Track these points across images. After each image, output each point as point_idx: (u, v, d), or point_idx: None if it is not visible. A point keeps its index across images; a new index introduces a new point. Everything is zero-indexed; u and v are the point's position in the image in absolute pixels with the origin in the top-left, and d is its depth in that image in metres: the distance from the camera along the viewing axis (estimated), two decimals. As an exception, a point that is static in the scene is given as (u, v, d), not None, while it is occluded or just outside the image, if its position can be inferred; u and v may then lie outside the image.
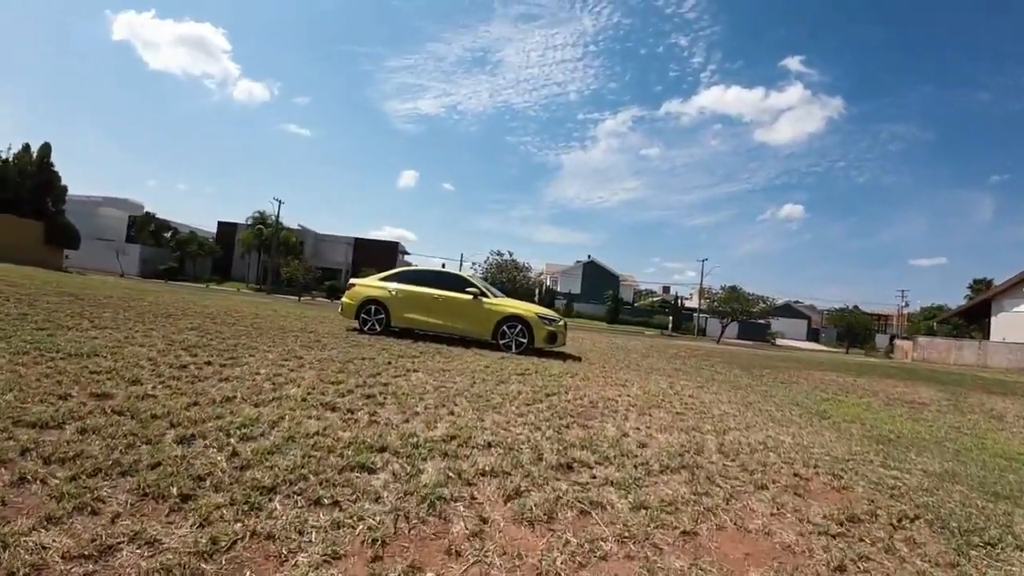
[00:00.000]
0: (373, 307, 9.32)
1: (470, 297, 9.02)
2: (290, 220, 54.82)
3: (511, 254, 42.02)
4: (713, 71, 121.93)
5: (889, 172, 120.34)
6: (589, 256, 71.71)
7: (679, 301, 63.84)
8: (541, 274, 61.83)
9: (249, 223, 51.17)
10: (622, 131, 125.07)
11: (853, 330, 56.08)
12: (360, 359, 6.23)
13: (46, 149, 25.94)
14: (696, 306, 56.91)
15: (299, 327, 9.00)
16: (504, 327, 8.80)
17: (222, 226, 55.65)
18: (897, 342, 41.26)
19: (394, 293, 9.30)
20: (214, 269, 51.65)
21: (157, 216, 52.82)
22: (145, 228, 49.93)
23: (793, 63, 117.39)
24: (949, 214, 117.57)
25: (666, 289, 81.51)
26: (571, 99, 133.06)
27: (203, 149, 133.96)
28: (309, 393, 4.13)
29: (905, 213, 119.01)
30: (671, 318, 54.86)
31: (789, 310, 69.64)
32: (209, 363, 4.91)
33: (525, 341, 8.73)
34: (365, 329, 9.27)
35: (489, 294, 9.30)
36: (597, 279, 66.35)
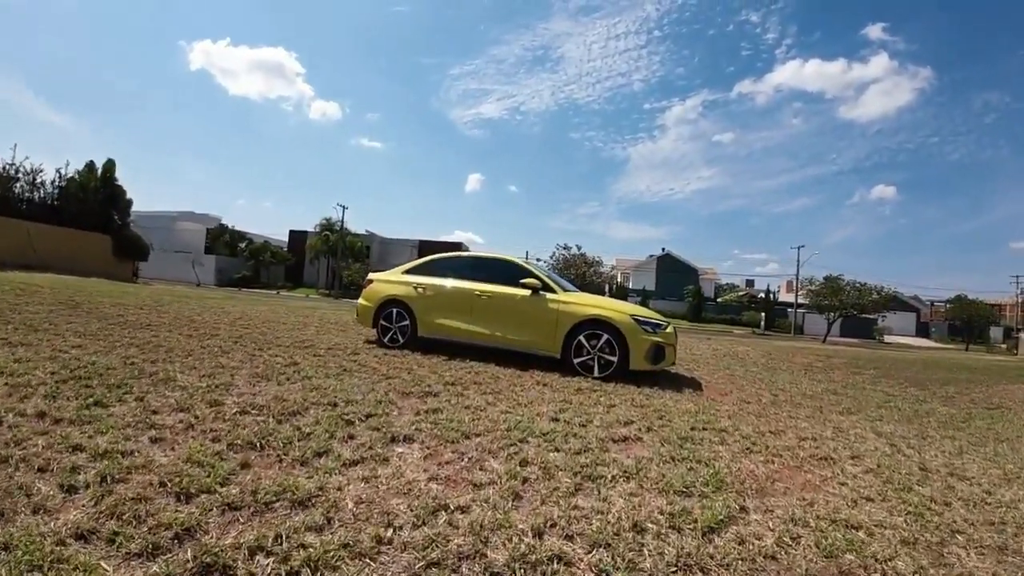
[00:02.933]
0: (395, 311, 6.72)
1: (527, 293, 6.02)
2: (359, 227, 55.09)
3: (579, 248, 38.63)
4: (789, 46, 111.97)
5: (986, 147, 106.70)
6: (664, 249, 66.51)
7: (771, 295, 57.37)
8: (613, 268, 57.77)
9: (317, 230, 51.50)
10: (692, 118, 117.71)
11: (972, 323, 47.95)
12: (325, 404, 3.57)
13: (110, 165, 26.14)
14: (791, 300, 50.58)
15: (299, 339, 6.60)
16: (580, 337, 5.67)
17: (293, 234, 56.71)
18: (1023, 335, 34.32)
19: (420, 290, 6.63)
20: (286, 276, 52.56)
21: (232, 228, 54.61)
22: (220, 239, 51.54)
23: (875, 31, 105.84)
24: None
25: (749, 283, 74.45)
26: (636, 89, 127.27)
27: (283, 167, 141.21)
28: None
29: (1005, 191, 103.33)
30: (763, 314, 49.02)
31: (896, 302, 60.88)
32: (43, 415, 2.48)
33: (615, 360, 5.53)
34: (386, 340, 6.70)
35: (556, 287, 6.17)
36: (674, 273, 61.12)
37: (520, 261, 6.66)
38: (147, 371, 4.01)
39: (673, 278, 59.84)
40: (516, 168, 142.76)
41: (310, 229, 52.89)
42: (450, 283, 6.57)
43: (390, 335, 6.69)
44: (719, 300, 61.91)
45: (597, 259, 39.34)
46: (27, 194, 21.80)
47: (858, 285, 37.92)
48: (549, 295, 6.03)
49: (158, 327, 6.54)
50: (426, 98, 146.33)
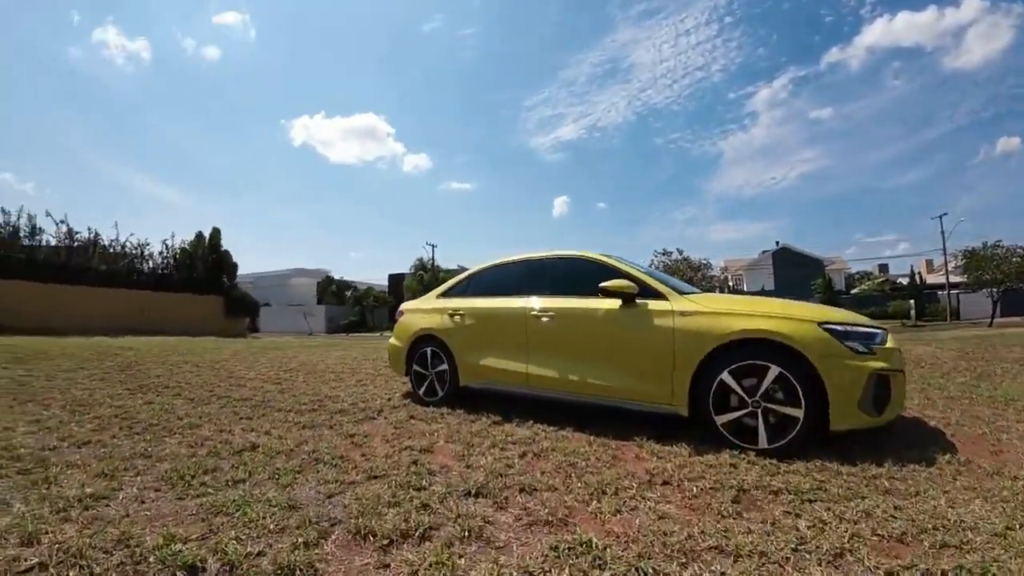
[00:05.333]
0: (428, 350, 4.77)
1: (614, 304, 3.63)
2: (452, 263, 55.72)
3: (681, 252, 34.56)
4: (872, 3, 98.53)
5: None
6: (778, 243, 59.06)
7: (918, 277, 48.16)
8: (724, 270, 52.08)
9: (412, 271, 52.76)
10: (783, 98, 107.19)
11: None
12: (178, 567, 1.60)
13: (216, 234, 28.07)
14: (936, 282, 41.59)
15: (322, 396, 4.85)
16: (724, 375, 3.12)
17: (392, 278, 58.95)
18: None
19: (457, 318, 4.60)
20: (389, 317, 54.14)
21: (339, 279, 57.89)
22: (328, 290, 54.63)
23: None
24: None
25: (882, 268, 63.76)
26: (717, 80, 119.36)
27: (385, 218, 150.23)
28: None
29: None
30: (911, 302, 40.73)
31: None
32: None
33: (799, 414, 2.91)
34: (422, 393, 4.74)
35: (665, 289, 3.61)
36: (794, 268, 53.48)
37: (598, 255, 4.08)
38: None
39: (794, 273, 52.35)
40: (602, 185, 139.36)
41: (406, 271, 54.41)
42: (492, 302, 4.47)
43: (426, 385, 4.72)
44: (854, 292, 53.03)
45: (704, 262, 34.78)
46: (137, 266, 23.47)
47: (1020, 251, 29.57)
48: (655, 303, 3.50)
49: (178, 386, 5.14)
50: (505, 133, 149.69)
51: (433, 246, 47.39)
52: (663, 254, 34.57)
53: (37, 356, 7.43)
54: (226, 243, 28.78)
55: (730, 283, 54.35)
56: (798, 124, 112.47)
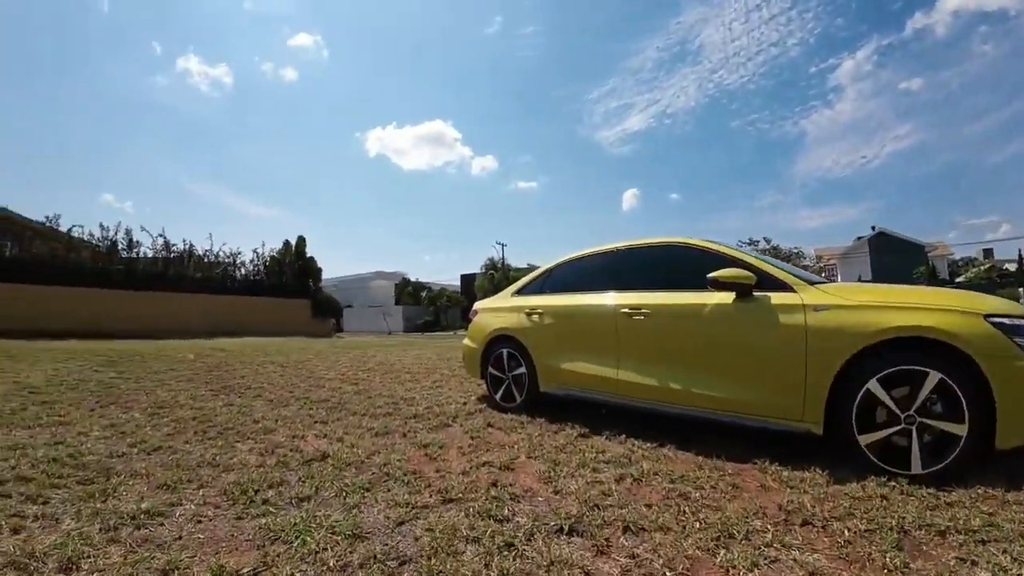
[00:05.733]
0: (505, 352, 4.40)
1: (726, 298, 3.04)
2: (522, 261, 55.85)
3: (768, 241, 31.98)
4: None
5: None
6: (874, 227, 53.36)
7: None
8: (818, 259, 47.93)
9: (483, 271, 53.38)
10: (869, 70, 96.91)
11: None
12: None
13: (301, 242, 29.92)
14: None
15: (398, 398, 4.65)
16: (872, 383, 2.48)
17: (464, 278, 60.07)
18: None
19: (535, 317, 4.19)
20: (462, 316, 55.27)
21: (415, 281, 59.86)
22: (405, 291, 56.66)
23: None
24: None
25: (987, 253, 55.79)
26: (794, 55, 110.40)
27: (456, 220, 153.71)
28: None
29: None
30: (1021, 290, 35.08)
31: None
32: None
33: (962, 431, 2.31)
34: (499, 398, 4.39)
35: (793, 281, 2.95)
36: (893, 255, 47.83)
37: (701, 240, 3.47)
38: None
39: (893, 261, 46.99)
40: (674, 174, 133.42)
41: (477, 271, 55.17)
42: (575, 299, 4.01)
43: (503, 390, 4.36)
44: (959, 280, 46.71)
45: (796, 251, 31.91)
46: (230, 273, 25.25)
47: None
48: (780, 296, 2.88)
49: (260, 387, 5.19)
50: (571, 129, 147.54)
51: (503, 245, 47.63)
52: (749, 244, 32.23)
53: (132, 358, 7.92)
54: (310, 250, 30.60)
55: (823, 273, 50.02)
56: (887, 97, 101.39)
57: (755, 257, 3.20)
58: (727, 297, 3.05)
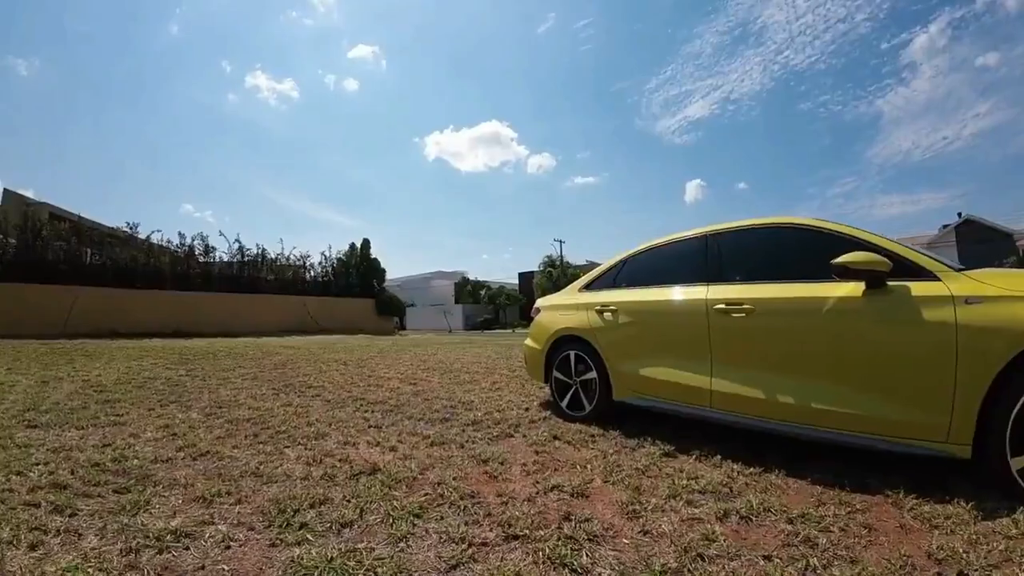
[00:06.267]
0: (572, 354, 3.94)
1: (854, 290, 2.43)
2: (581, 259, 54.85)
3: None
4: None
5: None
6: (960, 214, 48.06)
7: None
8: (905, 251, 43.68)
9: (541, 268, 52.99)
10: (944, 44, 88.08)
11: None
12: None
13: (366, 244, 30.88)
14: None
15: (457, 402, 4.37)
16: None
17: (522, 276, 59.83)
18: None
19: (608, 315, 3.68)
20: (520, 315, 55.12)
21: (475, 280, 60.40)
22: (464, 290, 57.32)
23: None
24: None
25: None
26: (864, 31, 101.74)
27: (514, 219, 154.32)
28: None
29: None
30: None
31: None
32: None
33: None
34: (565, 406, 3.95)
35: (936, 267, 2.34)
36: (982, 244, 42.55)
37: (814, 220, 2.86)
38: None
39: (981, 250, 41.96)
40: (741, 163, 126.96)
41: (535, 269, 54.78)
42: (656, 294, 3.48)
43: (570, 396, 3.93)
44: None
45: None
46: (301, 275, 26.34)
47: None
48: (920, 286, 2.31)
49: (320, 386, 5.08)
50: (629, 122, 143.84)
51: (561, 242, 47.09)
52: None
53: (204, 356, 8.16)
54: (374, 252, 31.50)
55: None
56: (966, 73, 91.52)
57: (883, 238, 2.58)
58: (855, 288, 2.47)
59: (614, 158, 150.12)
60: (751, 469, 2.56)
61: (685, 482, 2.38)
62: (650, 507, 2.12)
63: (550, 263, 51.08)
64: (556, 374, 4.06)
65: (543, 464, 2.71)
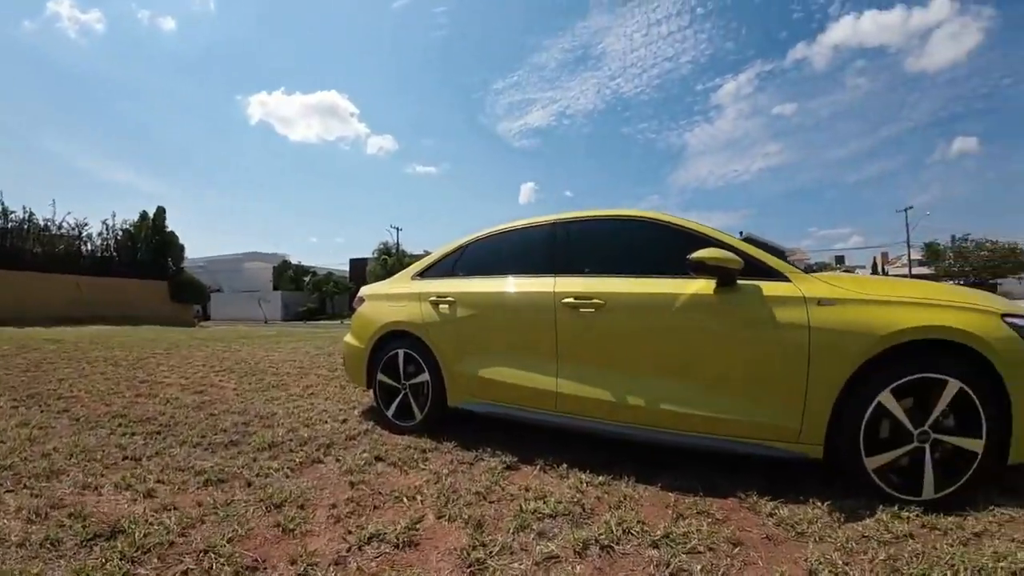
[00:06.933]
0: (400, 353, 3.37)
1: (705, 287, 2.36)
2: (417, 248, 53.61)
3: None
4: (843, 1, 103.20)
5: None
6: (742, 232, 59.82)
7: (882, 270, 49.74)
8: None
9: (375, 256, 50.68)
10: (749, 92, 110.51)
11: None
12: None
13: (160, 213, 25.65)
14: (903, 273, 42.72)
15: (254, 416, 3.45)
16: (884, 395, 2.01)
17: (353, 263, 56.43)
18: None
19: (445, 307, 3.20)
20: (350, 304, 52.06)
21: (297, 263, 54.92)
22: (285, 275, 51.90)
23: None
24: None
25: (838, 259, 65.97)
26: (685, 72, 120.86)
27: (348, 202, 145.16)
28: None
29: None
30: None
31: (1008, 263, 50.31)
32: None
33: (978, 446, 1.95)
34: (391, 415, 3.37)
35: (786, 268, 2.35)
36: None
37: (663, 215, 2.73)
38: None
39: None
40: (570, 172, 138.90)
41: (369, 256, 52.08)
42: (499, 285, 3.10)
43: (397, 404, 3.36)
44: None
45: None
46: (76, 248, 21.11)
47: (988, 245, 31.32)
48: (772, 286, 2.29)
49: (75, 396, 3.60)
50: (473, 117, 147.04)
51: (398, 229, 45.54)
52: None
53: None
54: (174, 224, 26.49)
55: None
56: (763, 118, 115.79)
57: (733, 237, 2.55)
58: (707, 286, 2.38)
59: (458, 151, 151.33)
60: (600, 478, 2.32)
61: (534, 505, 2.03)
62: (496, 549, 1.70)
63: (385, 250, 48.93)
64: (381, 377, 3.44)
65: (359, 502, 2.11)
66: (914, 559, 1.61)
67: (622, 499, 2.11)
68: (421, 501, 2.11)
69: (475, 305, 3.11)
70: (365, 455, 2.71)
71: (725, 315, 2.34)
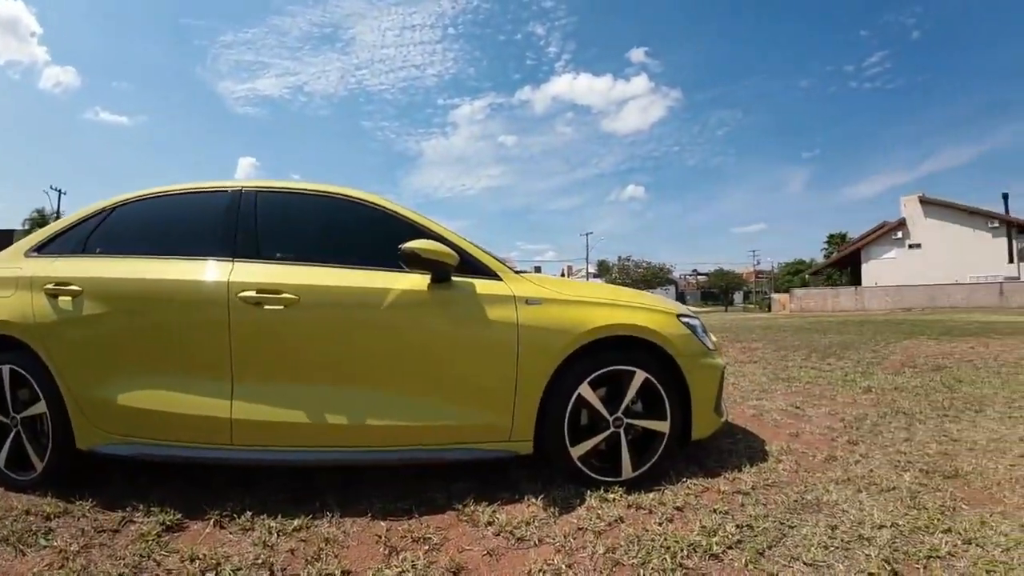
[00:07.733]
0: (6, 372, 2.17)
1: (418, 283, 2.13)
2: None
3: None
4: (567, 60, 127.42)
5: (716, 154, 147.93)
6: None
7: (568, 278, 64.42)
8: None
9: (26, 227, 37.73)
10: (481, 118, 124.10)
11: (727, 290, 64.42)
12: None
13: None
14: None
15: None
16: (583, 388, 2.17)
17: (-9, 235, 40.74)
18: (775, 296, 41.93)
19: (67, 304, 2.14)
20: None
21: None
22: None
23: (638, 55, 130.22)
24: (767, 188, 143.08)
25: (537, 269, 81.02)
26: (430, 84, 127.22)
27: (5, 147, 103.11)
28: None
29: (729, 190, 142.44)
30: None
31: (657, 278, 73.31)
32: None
33: (664, 428, 2.26)
34: (2, 466, 2.20)
35: (498, 267, 2.32)
36: None
37: (379, 198, 2.40)
38: None
39: None
40: (300, 155, 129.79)
41: (17, 227, 38.29)
42: (153, 269, 2.23)
43: (9, 446, 2.23)
44: None
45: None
46: None
47: (645, 264, 45.72)
48: (485, 284, 2.23)
49: None
50: (189, 67, 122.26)
51: (60, 192, 34.70)
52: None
53: None
54: None
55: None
56: (490, 143, 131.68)
57: (450, 231, 2.37)
58: (421, 281, 2.16)
59: (160, 103, 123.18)
60: (295, 521, 1.87)
61: None
62: None
63: (40, 220, 36.71)
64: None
65: None
66: (631, 547, 1.67)
67: (322, 544, 1.72)
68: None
69: (113, 297, 2.19)
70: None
71: (439, 314, 2.21)
